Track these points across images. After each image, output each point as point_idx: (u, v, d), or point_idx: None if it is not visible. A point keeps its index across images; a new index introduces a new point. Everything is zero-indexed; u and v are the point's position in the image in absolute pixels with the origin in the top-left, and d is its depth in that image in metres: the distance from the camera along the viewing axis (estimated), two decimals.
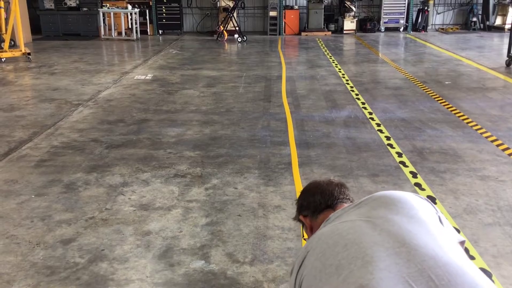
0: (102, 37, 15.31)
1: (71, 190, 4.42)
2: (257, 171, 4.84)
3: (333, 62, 11.04)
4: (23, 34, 11.48)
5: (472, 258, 3.30)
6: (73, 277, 3.13)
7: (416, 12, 16.74)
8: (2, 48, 11.18)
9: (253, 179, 4.66)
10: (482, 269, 3.17)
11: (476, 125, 6.19)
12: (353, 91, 8.18)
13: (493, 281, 3.05)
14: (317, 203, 1.82)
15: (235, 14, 15.36)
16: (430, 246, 1.37)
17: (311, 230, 1.85)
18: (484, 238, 3.55)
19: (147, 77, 9.51)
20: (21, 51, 11.20)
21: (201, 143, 5.68)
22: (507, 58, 10.00)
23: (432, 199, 4.14)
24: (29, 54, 11.12)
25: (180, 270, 3.21)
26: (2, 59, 10.94)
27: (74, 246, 3.48)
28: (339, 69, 10.21)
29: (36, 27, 15.36)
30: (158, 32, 16.51)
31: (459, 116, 6.60)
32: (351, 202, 1.81)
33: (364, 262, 1.33)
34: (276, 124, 6.41)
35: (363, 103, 7.35)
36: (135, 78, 9.45)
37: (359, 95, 7.85)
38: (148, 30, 16.42)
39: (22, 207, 4.09)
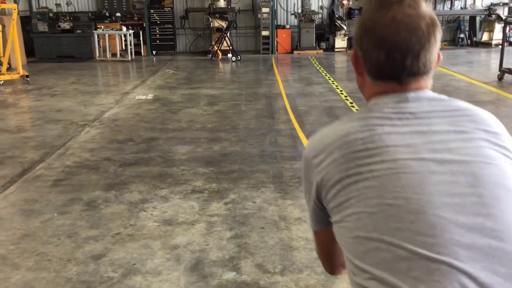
0: (97, 58, 15.40)
1: (93, 208, 4.48)
2: (272, 185, 4.95)
3: (329, 79, 11.24)
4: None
5: None
6: None
7: None
8: (0, 71, 11.22)
9: (269, 193, 4.76)
10: None
11: None
12: (353, 106, 8.36)
13: None
14: (379, 62, 1.16)
15: (228, 34, 15.58)
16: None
17: (360, 75, 1.27)
18: None
19: (148, 97, 9.61)
20: (19, 73, 11.25)
21: (213, 159, 5.78)
22: (499, 73, 10.29)
23: None
24: (27, 76, 11.17)
25: (214, 281, 3.29)
26: (1, 82, 10.97)
27: (106, 261, 3.54)
28: (336, 85, 10.41)
29: (29, 50, 15.41)
30: (152, 52, 16.65)
31: None
32: (428, 73, 1.19)
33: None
34: (283, 140, 6.54)
35: None
36: (136, 98, 9.55)
37: None
38: (142, 51, 16.54)
39: (47, 225, 4.14)
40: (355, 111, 8.00)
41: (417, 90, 1.17)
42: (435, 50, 1.16)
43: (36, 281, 3.31)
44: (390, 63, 1.14)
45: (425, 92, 1.18)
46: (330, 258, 1.35)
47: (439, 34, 1.15)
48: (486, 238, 1.03)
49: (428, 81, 1.20)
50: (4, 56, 11.15)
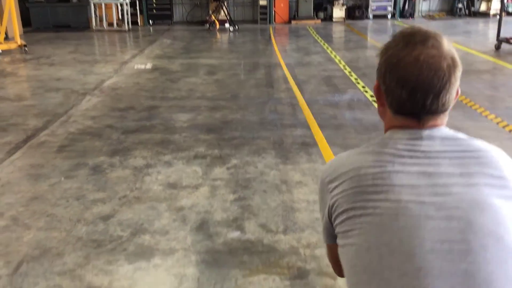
0: (94, 28, 15.31)
1: (98, 172, 4.58)
2: (273, 151, 5.06)
3: (327, 49, 11.27)
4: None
5: None
6: (120, 248, 3.32)
7: (403, 0, 17.03)
8: None
9: (271, 158, 4.87)
10: None
11: (475, 104, 6.47)
12: (351, 75, 8.43)
13: None
14: (400, 100, 1.22)
15: (225, 3, 15.48)
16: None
17: (381, 106, 1.33)
18: None
19: (147, 67, 9.63)
20: (17, 43, 11.20)
21: (214, 127, 5.87)
22: (497, 42, 10.34)
23: None
24: (25, 46, 11.14)
25: (219, 240, 3.42)
26: None
27: (114, 222, 3.67)
28: (334, 55, 10.45)
29: (25, 20, 15.28)
30: (149, 22, 16.56)
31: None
32: (446, 111, 1.25)
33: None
34: (283, 108, 6.62)
35: (363, 87, 7.59)
36: (135, 67, 9.57)
37: (359, 80, 8.09)
38: (139, 21, 16.45)
39: (54, 188, 4.25)
40: (353, 80, 8.07)
41: (433, 128, 1.23)
42: (455, 90, 1.21)
43: (47, 240, 3.43)
44: (411, 101, 1.19)
45: (440, 130, 1.24)
46: (340, 265, 1.43)
47: (459, 73, 1.20)
48: (466, 285, 1.08)
49: (445, 118, 1.26)
50: (1, 25, 11.07)
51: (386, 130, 1.31)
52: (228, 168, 4.65)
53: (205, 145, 5.26)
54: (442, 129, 1.25)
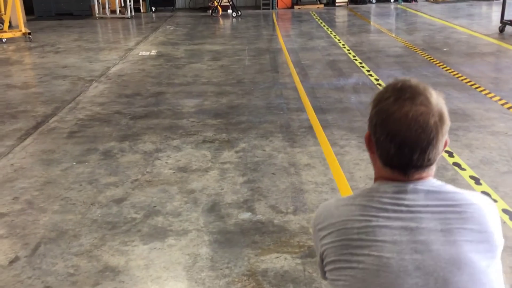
0: (96, 15, 15.31)
1: (109, 157, 4.66)
2: (281, 134, 5.12)
3: (331, 34, 11.27)
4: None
5: (494, 201, 3.64)
6: (134, 229, 3.40)
7: None
8: (2, 29, 11.21)
9: (278, 142, 4.93)
10: (505, 210, 3.52)
11: (479, 87, 6.51)
12: (356, 60, 8.45)
13: None
14: (389, 154, 1.26)
15: None
16: None
17: (372, 154, 1.36)
18: (503, 184, 3.89)
19: (151, 53, 9.67)
20: (21, 31, 11.24)
21: (221, 111, 5.93)
22: (500, 25, 10.32)
23: (449, 154, 4.47)
24: (29, 34, 11.17)
25: (231, 221, 3.50)
26: (3, 40, 10.98)
27: (127, 204, 3.75)
28: (338, 39, 10.45)
29: (27, 8, 15.27)
30: (151, 9, 16.53)
31: (462, 80, 6.91)
32: (433, 165, 1.28)
33: None
34: (288, 92, 6.67)
35: (368, 71, 7.62)
36: (140, 54, 9.61)
37: (363, 64, 8.12)
38: (141, 8, 16.42)
39: (67, 173, 4.33)
40: (357, 64, 8.10)
41: (419, 181, 1.26)
42: (442, 144, 1.24)
43: (63, 222, 3.52)
44: (399, 156, 1.23)
45: (426, 183, 1.27)
46: None
47: (446, 128, 1.23)
48: None
49: (431, 171, 1.28)
50: (5, 13, 11.10)
51: (375, 179, 1.36)
52: (236, 152, 4.72)
53: (213, 129, 5.33)
54: (428, 181, 1.28)
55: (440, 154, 1.26)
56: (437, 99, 1.23)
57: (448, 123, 1.24)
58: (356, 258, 1.23)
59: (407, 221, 1.23)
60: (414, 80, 1.26)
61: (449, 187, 1.29)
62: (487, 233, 1.24)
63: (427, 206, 1.25)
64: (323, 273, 1.40)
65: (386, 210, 1.25)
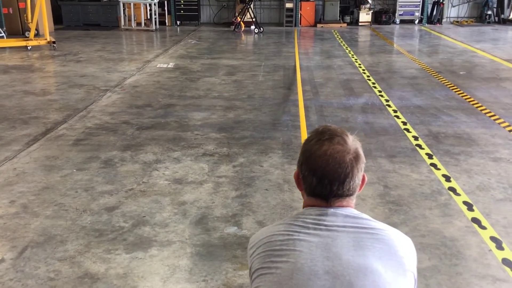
0: (122, 27, 15.66)
1: (109, 165, 4.75)
2: (281, 151, 5.14)
3: (349, 53, 11.28)
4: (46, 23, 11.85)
5: (483, 228, 3.59)
6: (120, 238, 3.46)
7: (431, 5, 16.88)
8: (28, 37, 11.56)
9: (277, 158, 4.96)
10: (493, 238, 3.46)
11: (490, 112, 6.43)
12: (369, 80, 8.44)
13: (503, 248, 3.34)
14: (312, 185, 1.41)
15: (252, 6, 15.62)
16: None
17: (300, 189, 1.50)
18: (496, 211, 3.83)
19: (169, 66, 9.83)
20: (46, 39, 11.57)
21: (226, 126, 5.99)
22: None
23: (447, 178, 4.42)
24: (54, 42, 11.49)
25: (216, 234, 3.53)
26: (29, 47, 11.33)
27: (118, 213, 3.82)
28: (356, 59, 10.46)
29: (56, 17, 15.75)
30: (176, 23, 16.83)
31: (473, 104, 6.84)
32: (352, 195, 1.43)
33: None
34: (296, 110, 6.70)
35: (379, 91, 7.61)
36: (157, 66, 9.78)
37: (376, 84, 8.10)
38: (166, 21, 16.74)
39: (66, 179, 4.44)
40: (370, 84, 8.08)
41: (338, 208, 1.41)
42: (358, 178, 1.40)
43: (53, 227, 3.60)
44: (320, 187, 1.39)
45: (345, 210, 1.41)
46: None
47: (362, 165, 1.39)
48: None
49: (351, 201, 1.44)
50: (32, 22, 11.46)
51: (303, 207, 1.50)
52: (234, 166, 4.76)
53: (215, 143, 5.39)
54: (348, 209, 1.42)
55: (358, 186, 1.42)
56: (353, 141, 1.41)
57: (363, 160, 1.39)
58: (275, 265, 1.36)
59: (324, 238, 1.37)
60: (333, 126, 1.45)
61: (367, 216, 1.43)
62: (396, 256, 1.34)
63: (344, 226, 1.38)
64: None
65: (308, 228, 1.40)
